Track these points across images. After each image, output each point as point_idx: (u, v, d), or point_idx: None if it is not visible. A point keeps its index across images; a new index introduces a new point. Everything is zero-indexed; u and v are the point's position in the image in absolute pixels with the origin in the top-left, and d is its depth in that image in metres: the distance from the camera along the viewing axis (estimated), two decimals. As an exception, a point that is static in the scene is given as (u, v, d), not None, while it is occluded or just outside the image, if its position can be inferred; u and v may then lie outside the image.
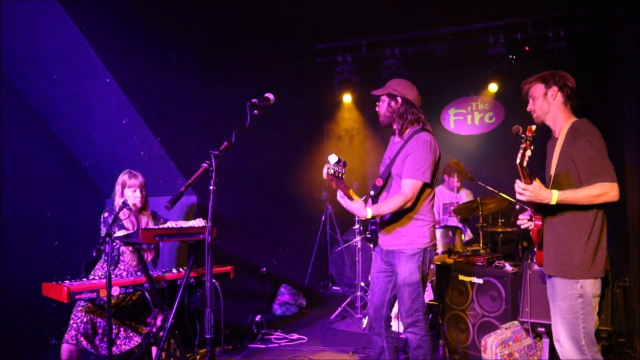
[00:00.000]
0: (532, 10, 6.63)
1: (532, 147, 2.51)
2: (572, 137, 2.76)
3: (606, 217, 2.79)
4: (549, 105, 2.93)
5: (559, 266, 2.79)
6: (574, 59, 6.33)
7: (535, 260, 3.04)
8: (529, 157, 2.51)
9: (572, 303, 2.74)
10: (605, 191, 2.61)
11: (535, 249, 3.00)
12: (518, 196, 2.69)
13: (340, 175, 3.00)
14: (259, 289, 6.11)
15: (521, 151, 2.49)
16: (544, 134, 2.99)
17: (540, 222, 2.89)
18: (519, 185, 2.64)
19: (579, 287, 2.73)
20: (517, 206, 6.00)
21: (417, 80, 3.51)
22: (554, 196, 2.63)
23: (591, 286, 2.72)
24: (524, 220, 3.01)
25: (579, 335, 2.73)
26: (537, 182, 2.64)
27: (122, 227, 3.88)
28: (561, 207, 2.74)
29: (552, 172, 2.85)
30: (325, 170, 2.97)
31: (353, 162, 8.23)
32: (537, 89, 2.97)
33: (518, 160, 2.51)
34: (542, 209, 2.87)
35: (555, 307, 2.85)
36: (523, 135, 2.49)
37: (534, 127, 2.52)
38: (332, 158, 3.01)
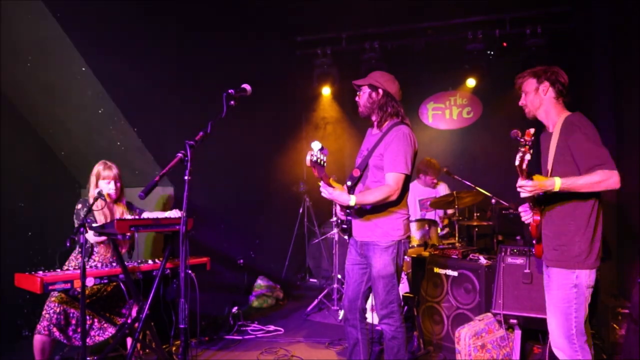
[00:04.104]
0: (511, 7, 6.72)
1: (532, 151, 2.50)
2: (567, 132, 2.78)
3: (602, 208, 2.82)
4: (540, 100, 2.96)
5: (558, 257, 2.83)
6: (551, 56, 6.42)
7: (533, 252, 3.06)
8: (529, 160, 2.50)
9: (566, 292, 2.79)
10: (606, 177, 2.62)
11: (534, 242, 3.00)
12: (522, 194, 2.71)
13: (322, 162, 2.99)
14: (235, 280, 6.10)
15: (520, 154, 2.49)
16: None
17: (538, 217, 2.91)
18: (519, 182, 2.65)
19: (574, 277, 2.77)
20: (493, 200, 6.10)
21: (396, 74, 3.51)
22: (556, 183, 2.64)
23: (586, 277, 2.77)
24: (527, 214, 3.00)
25: (570, 325, 2.78)
26: (536, 176, 2.66)
27: (96, 219, 3.84)
28: (560, 199, 2.80)
29: (550, 166, 2.87)
30: (308, 157, 2.95)
31: (331, 154, 8.17)
32: (529, 84, 3.00)
33: (517, 163, 2.52)
34: (541, 203, 2.90)
35: (550, 295, 2.89)
36: (522, 140, 2.49)
37: (532, 131, 2.51)
38: (315, 145, 2.97)
